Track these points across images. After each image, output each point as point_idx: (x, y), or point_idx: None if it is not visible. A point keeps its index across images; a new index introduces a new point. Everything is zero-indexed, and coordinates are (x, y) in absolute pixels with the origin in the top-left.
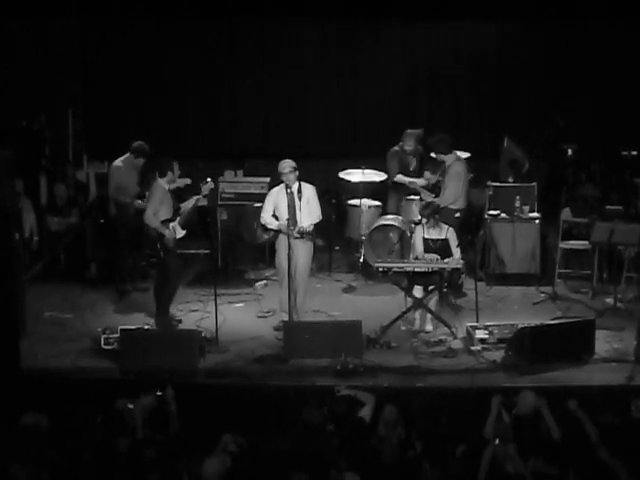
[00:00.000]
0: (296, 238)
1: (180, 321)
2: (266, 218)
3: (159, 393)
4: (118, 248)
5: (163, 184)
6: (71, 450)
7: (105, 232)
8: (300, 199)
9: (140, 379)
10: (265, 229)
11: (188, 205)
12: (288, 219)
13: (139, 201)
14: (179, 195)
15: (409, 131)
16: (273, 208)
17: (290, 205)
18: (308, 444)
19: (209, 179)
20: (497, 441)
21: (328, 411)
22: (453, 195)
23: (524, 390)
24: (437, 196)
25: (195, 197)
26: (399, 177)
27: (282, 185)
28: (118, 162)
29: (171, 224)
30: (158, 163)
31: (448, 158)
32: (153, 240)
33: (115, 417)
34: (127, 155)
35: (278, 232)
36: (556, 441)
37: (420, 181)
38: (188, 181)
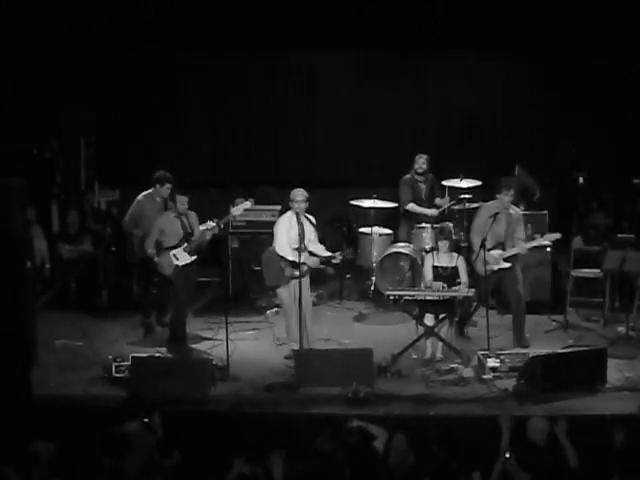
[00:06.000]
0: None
1: (191, 349)
2: (286, 249)
3: (146, 419)
4: (140, 282)
5: (167, 213)
6: (80, 477)
7: (117, 260)
8: (306, 228)
9: (145, 405)
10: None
11: (205, 236)
12: (298, 247)
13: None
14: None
15: (420, 154)
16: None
17: (300, 234)
18: (320, 469)
19: (244, 200)
20: (508, 455)
21: (340, 442)
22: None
23: (534, 417)
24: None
25: (212, 223)
26: (411, 206)
27: (290, 213)
28: (140, 196)
29: (172, 251)
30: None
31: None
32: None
33: (122, 441)
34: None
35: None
36: (573, 470)
37: (432, 211)
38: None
